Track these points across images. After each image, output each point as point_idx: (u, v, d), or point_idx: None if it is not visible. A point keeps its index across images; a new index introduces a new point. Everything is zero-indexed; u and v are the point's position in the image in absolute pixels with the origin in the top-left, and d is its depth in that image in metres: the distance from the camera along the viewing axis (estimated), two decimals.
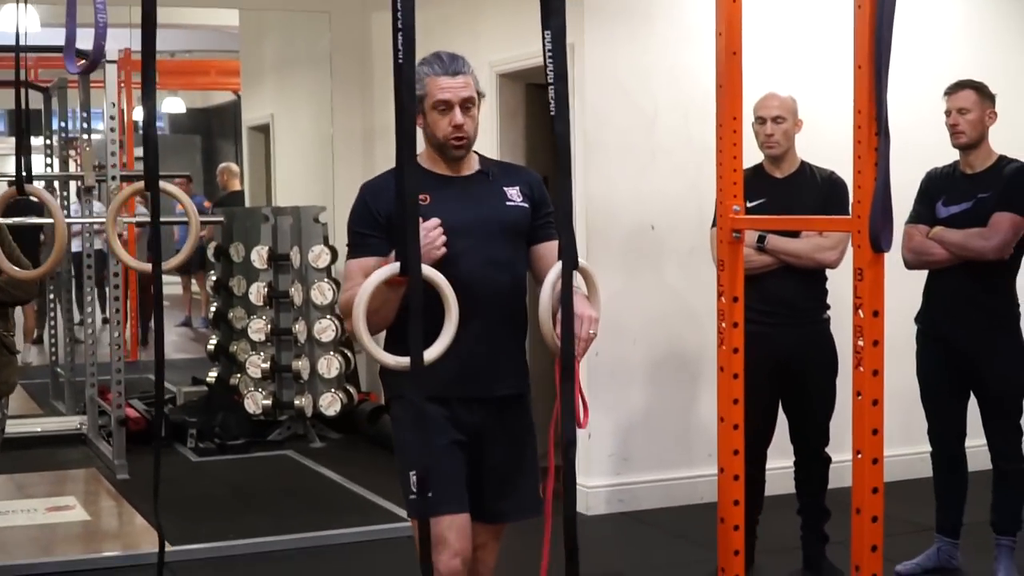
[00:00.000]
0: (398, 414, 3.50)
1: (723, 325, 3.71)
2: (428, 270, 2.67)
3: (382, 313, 3.19)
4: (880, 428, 3.27)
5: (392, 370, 3.13)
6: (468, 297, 3.20)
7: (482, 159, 3.63)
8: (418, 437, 3.13)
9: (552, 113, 3.00)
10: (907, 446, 5.99)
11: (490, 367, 3.44)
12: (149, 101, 2.82)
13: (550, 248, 3.45)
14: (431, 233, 3.27)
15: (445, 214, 3.36)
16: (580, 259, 2.85)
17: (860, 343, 3.23)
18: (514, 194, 3.54)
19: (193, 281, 14.64)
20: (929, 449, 5.28)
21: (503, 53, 6.87)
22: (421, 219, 3.09)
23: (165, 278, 12.40)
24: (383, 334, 3.39)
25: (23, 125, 3.79)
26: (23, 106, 3.78)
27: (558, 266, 2.66)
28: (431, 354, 2.65)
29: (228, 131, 19.97)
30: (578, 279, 2.83)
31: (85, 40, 3.71)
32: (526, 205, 3.54)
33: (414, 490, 3.22)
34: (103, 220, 8.17)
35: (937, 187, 5.11)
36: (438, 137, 3.46)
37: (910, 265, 5.08)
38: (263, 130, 11.25)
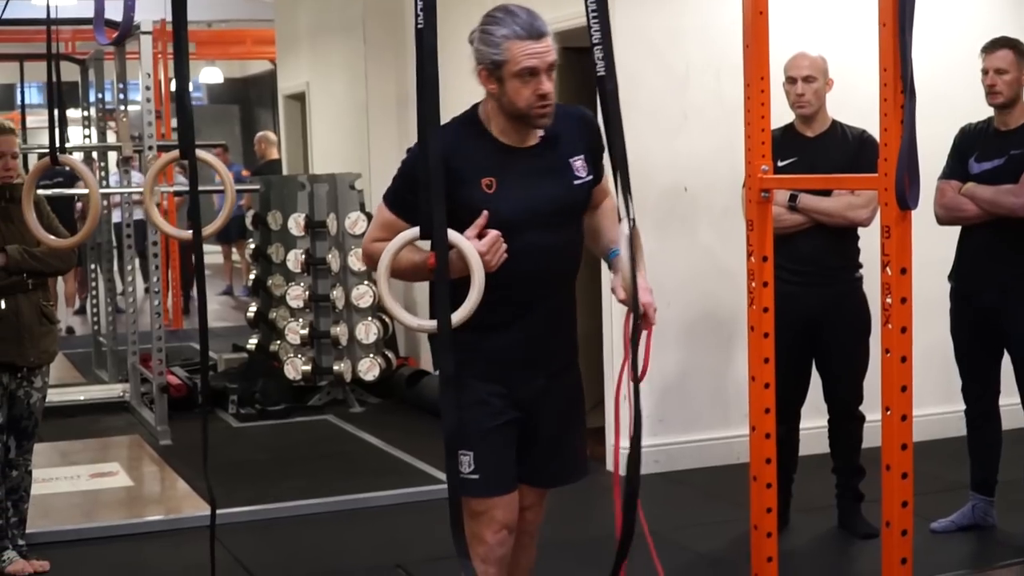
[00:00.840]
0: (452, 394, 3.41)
1: (753, 284, 3.74)
2: (452, 235, 2.70)
3: (408, 278, 3.22)
4: (909, 385, 3.29)
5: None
6: (530, 287, 3.24)
7: None
8: (471, 420, 3.24)
9: (601, 73, 3.04)
10: (943, 405, 5.99)
11: (550, 344, 3.38)
12: (181, 69, 2.85)
13: (601, 188, 3.43)
14: (493, 246, 3.06)
15: (508, 207, 3.19)
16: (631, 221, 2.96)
17: (888, 300, 3.25)
18: (580, 166, 3.34)
19: (234, 250, 14.74)
20: (964, 407, 5.28)
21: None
22: (485, 212, 3.09)
23: (206, 247, 12.60)
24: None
25: (56, 97, 3.84)
26: (55, 78, 3.83)
27: (624, 230, 2.78)
28: (456, 317, 2.71)
29: (265, 100, 20.07)
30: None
31: (117, 11, 3.75)
32: (591, 178, 3.37)
33: (464, 470, 3.25)
34: (141, 190, 8.26)
35: (970, 143, 5.09)
36: (519, 107, 3.18)
37: (942, 221, 5.07)
38: (299, 98, 11.29)
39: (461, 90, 3.42)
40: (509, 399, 3.32)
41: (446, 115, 2.62)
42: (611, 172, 2.72)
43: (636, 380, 2.78)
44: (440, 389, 2.52)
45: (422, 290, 2.98)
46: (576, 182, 3.33)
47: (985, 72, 4.98)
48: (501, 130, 3.26)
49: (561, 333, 3.42)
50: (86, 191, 8.15)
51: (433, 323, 2.58)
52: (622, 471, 3.43)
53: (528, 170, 3.27)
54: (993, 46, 5.01)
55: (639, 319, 2.85)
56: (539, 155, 3.30)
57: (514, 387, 3.33)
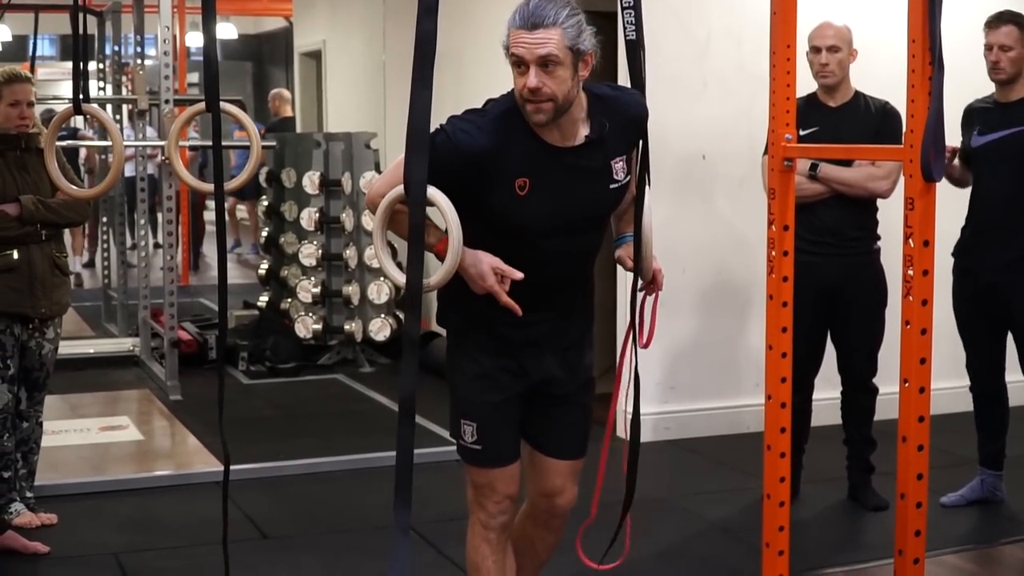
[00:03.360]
0: (460, 363, 3.35)
1: (773, 253, 3.71)
2: (433, 192, 2.69)
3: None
4: (928, 358, 3.27)
5: (462, 321, 3.25)
6: (548, 281, 3.23)
7: (591, 102, 3.17)
8: (478, 393, 3.28)
9: (630, 37, 3.02)
10: (953, 379, 5.98)
11: (564, 326, 3.35)
12: (209, 22, 2.83)
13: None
14: (489, 281, 3.03)
15: (535, 213, 3.11)
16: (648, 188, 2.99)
17: (910, 272, 3.23)
18: (619, 168, 3.22)
19: (240, 208, 14.71)
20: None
21: None
22: (520, 275, 3.03)
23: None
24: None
25: (80, 48, 3.82)
26: (80, 29, 3.81)
27: (647, 198, 2.89)
28: (434, 280, 2.81)
29: (279, 57, 20.00)
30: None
31: None
32: (628, 179, 3.26)
33: (466, 439, 3.31)
34: (158, 143, 8.24)
35: (971, 117, 5.09)
36: (520, 97, 3.06)
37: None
38: (315, 56, 11.26)
39: (477, 60, 3.40)
40: (517, 375, 3.31)
41: (446, 78, 2.57)
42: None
43: (636, 346, 2.82)
44: (403, 349, 2.49)
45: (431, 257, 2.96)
46: (613, 186, 3.22)
47: (989, 48, 4.94)
48: (541, 127, 3.09)
49: (576, 314, 3.40)
50: (107, 143, 8.15)
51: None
52: (621, 434, 3.49)
53: (566, 172, 3.13)
54: (997, 21, 4.95)
55: (638, 279, 2.90)
56: (581, 156, 3.15)
57: (523, 363, 3.31)
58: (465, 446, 3.33)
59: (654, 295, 3.40)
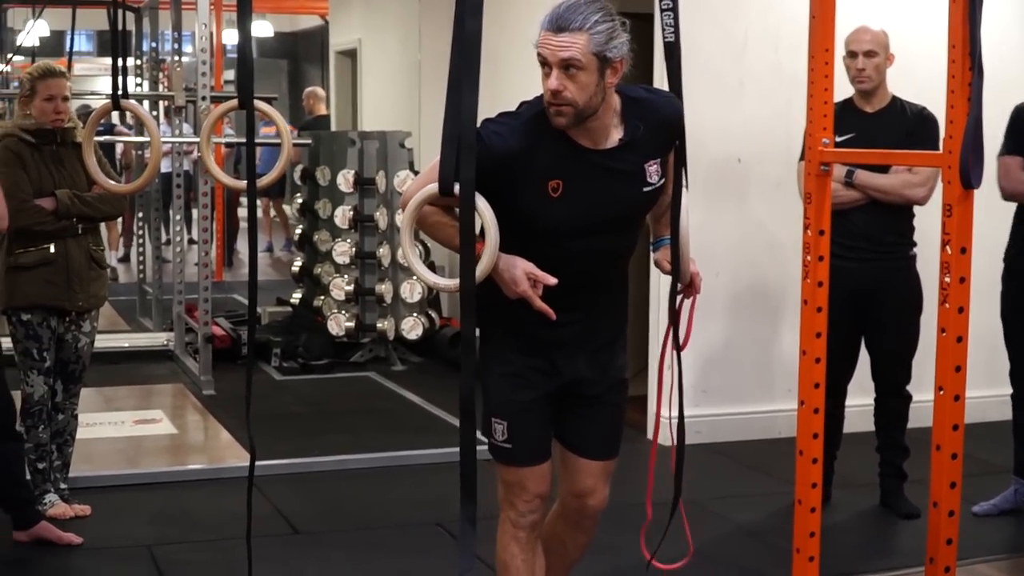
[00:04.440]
0: (491, 362, 3.35)
1: (808, 258, 3.71)
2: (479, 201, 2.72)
3: (438, 239, 3.17)
4: (963, 365, 3.26)
5: (493, 321, 3.24)
6: (580, 282, 3.22)
7: (625, 105, 3.17)
8: (509, 391, 3.30)
9: (668, 39, 3.02)
10: (986, 388, 5.96)
11: (596, 326, 3.35)
12: (244, 19, 2.85)
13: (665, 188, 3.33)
14: (523, 286, 3.04)
15: (568, 215, 3.11)
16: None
17: (947, 279, 3.22)
18: (653, 171, 3.20)
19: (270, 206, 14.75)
20: (1010, 391, 5.24)
21: None
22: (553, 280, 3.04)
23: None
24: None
25: (120, 43, 3.85)
26: (119, 26, 3.84)
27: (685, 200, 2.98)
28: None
29: (315, 56, 20.07)
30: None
31: None
32: (662, 182, 3.24)
33: (497, 438, 3.32)
34: (194, 140, 8.29)
35: None
36: (544, 99, 3.07)
37: (1006, 195, 5.00)
38: (350, 55, 11.29)
39: (513, 61, 3.41)
40: (548, 374, 3.31)
41: (482, 78, 2.56)
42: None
43: (678, 349, 2.83)
44: (462, 352, 2.51)
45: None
46: (646, 189, 3.21)
47: None
48: (579, 133, 3.10)
49: (607, 315, 3.39)
50: (144, 139, 8.20)
51: (449, 282, 2.68)
52: (664, 441, 3.49)
53: (599, 174, 3.12)
54: None
55: (676, 283, 2.93)
56: (614, 158, 3.14)
57: (555, 362, 3.31)
58: (496, 444, 3.33)
59: (691, 299, 3.40)
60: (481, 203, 2.77)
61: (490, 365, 3.36)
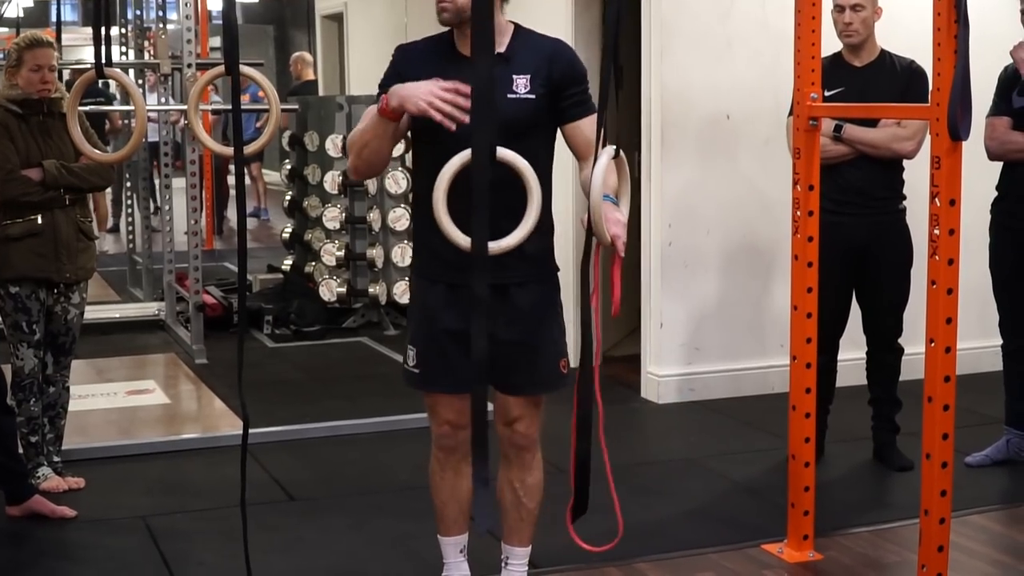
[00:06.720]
0: (413, 291, 3.64)
1: (798, 214, 3.71)
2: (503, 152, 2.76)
3: (372, 146, 3.38)
4: (954, 317, 3.27)
5: (416, 250, 3.49)
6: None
7: (516, 35, 3.43)
8: (421, 318, 3.53)
9: None
10: (978, 339, 5.97)
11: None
12: None
13: (580, 128, 3.39)
14: (436, 92, 3.15)
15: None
16: (614, 147, 2.96)
17: (936, 232, 3.22)
18: (522, 84, 3.36)
19: (266, 172, 14.70)
20: (1000, 342, 5.26)
21: None
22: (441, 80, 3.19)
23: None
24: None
25: (103, 11, 3.82)
26: None
27: (603, 159, 2.92)
28: (505, 243, 2.93)
29: (301, 20, 19.94)
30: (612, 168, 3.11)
31: None
32: (532, 96, 3.36)
33: (408, 363, 3.57)
34: (180, 107, 8.25)
35: (1013, 79, 5.03)
36: None
37: (992, 155, 5.01)
38: (337, 19, 11.23)
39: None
40: (456, 306, 3.39)
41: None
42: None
43: (587, 303, 2.84)
44: (472, 312, 2.52)
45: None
46: (510, 96, 3.33)
47: None
48: (463, 38, 3.37)
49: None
50: (129, 107, 8.15)
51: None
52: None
53: (465, 81, 3.14)
54: None
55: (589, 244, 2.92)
56: None
57: (460, 293, 3.33)
58: (407, 369, 3.58)
59: (615, 261, 3.15)
60: (514, 157, 2.92)
61: (413, 295, 3.63)
